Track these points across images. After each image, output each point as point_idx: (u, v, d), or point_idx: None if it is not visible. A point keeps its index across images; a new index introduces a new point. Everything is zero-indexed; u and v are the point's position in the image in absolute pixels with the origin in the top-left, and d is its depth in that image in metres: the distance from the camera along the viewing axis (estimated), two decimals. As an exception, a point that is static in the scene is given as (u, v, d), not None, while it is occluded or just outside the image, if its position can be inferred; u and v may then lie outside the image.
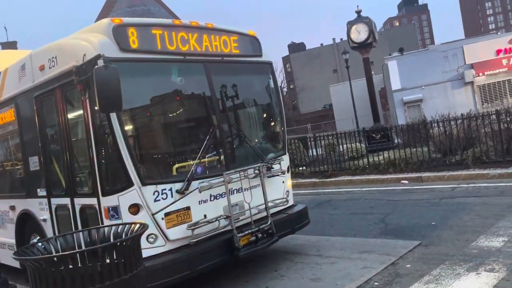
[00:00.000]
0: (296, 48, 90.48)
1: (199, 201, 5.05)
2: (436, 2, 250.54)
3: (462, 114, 11.91)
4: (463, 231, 6.23)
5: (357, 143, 14.37)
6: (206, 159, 5.30)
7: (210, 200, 5.16)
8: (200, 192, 4.95)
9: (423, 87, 29.70)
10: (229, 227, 5.13)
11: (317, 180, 13.26)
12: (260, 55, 6.21)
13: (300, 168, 14.77)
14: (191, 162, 5.11)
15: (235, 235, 5.08)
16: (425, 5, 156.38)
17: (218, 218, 5.07)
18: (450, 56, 29.44)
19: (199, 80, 5.44)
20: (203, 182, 4.99)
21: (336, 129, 38.62)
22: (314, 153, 14.99)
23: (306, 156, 15.52)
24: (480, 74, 28.46)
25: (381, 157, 12.74)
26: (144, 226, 3.20)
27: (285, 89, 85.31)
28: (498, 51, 28.62)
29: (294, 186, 12.97)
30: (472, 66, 28.73)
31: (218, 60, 5.62)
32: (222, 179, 5.08)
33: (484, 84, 28.58)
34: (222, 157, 5.43)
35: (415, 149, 12.24)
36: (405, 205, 8.63)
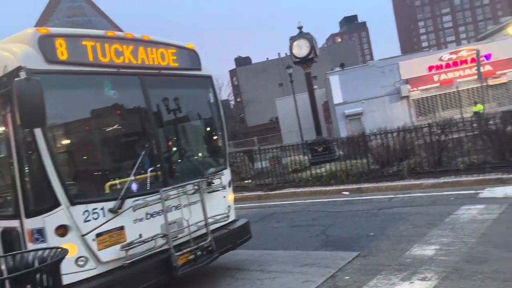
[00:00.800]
0: (242, 62, 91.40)
1: (134, 220, 4.83)
2: (375, 20, 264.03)
3: (398, 127, 12.47)
4: (399, 241, 6.44)
5: (301, 156, 14.60)
6: (141, 176, 5.10)
7: (146, 219, 4.95)
8: (134, 210, 4.73)
9: (363, 101, 30.92)
10: (166, 246, 4.94)
11: (262, 193, 13.28)
12: (199, 69, 6.13)
13: (246, 181, 14.75)
14: (126, 179, 4.89)
15: (173, 254, 4.90)
16: (364, 23, 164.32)
17: (155, 237, 4.87)
18: (388, 71, 30.98)
19: (134, 93, 5.25)
20: (138, 200, 4.78)
21: (282, 142, 39.20)
22: (260, 166, 15.05)
23: (251, 169, 15.54)
24: (415, 88, 30.16)
25: (323, 169, 13.00)
26: (63, 251, 2.97)
27: (232, 102, 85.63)
28: (430, 68, 30.54)
29: (240, 200, 12.93)
30: (407, 81, 30.38)
31: (154, 73, 5.46)
32: (158, 196, 4.90)
33: (418, 98, 30.29)
34: (159, 173, 5.25)
35: (355, 161, 12.63)
36: (346, 216, 8.82)
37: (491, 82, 29.36)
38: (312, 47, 14.88)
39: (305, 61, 15.18)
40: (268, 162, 15.03)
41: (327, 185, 12.32)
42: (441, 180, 10.46)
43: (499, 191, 8.70)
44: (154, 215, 5.01)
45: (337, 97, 31.55)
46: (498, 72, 29.59)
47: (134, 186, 4.91)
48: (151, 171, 5.24)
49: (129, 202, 4.71)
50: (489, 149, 11.26)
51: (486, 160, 10.85)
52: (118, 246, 4.63)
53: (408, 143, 12.20)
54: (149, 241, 4.82)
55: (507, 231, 6.05)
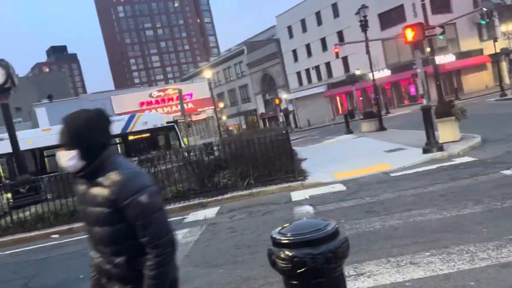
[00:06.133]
0: None
1: None
2: (86, 53, 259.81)
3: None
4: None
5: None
6: None
7: None
8: None
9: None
10: None
11: None
12: None
13: None
14: None
15: None
16: (75, 55, 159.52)
17: None
18: (100, 105, 30.78)
19: None
20: None
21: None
22: None
23: None
24: (128, 123, 31.02)
25: (27, 213, 11.52)
26: None
27: None
28: (142, 103, 32.29)
29: None
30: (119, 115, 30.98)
31: None
32: None
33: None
34: None
35: (66, 199, 11.77)
36: (54, 261, 8.04)
37: (194, 118, 33.51)
38: (9, 75, 13.18)
39: (1, 91, 13.25)
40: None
41: (32, 230, 10.94)
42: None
43: (201, 214, 9.85)
44: None
45: (45, 130, 29.05)
46: (199, 109, 34.11)
47: None
48: None
49: None
50: (192, 177, 12.67)
51: (190, 187, 12.15)
52: None
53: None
54: None
55: (205, 249, 6.87)
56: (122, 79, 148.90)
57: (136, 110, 31.59)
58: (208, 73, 36.50)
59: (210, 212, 9.88)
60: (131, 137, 19.71)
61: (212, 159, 13.01)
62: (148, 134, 19.77)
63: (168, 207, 11.04)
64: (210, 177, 12.31)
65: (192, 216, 9.84)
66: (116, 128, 19.15)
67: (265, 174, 12.00)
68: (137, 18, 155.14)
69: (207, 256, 6.47)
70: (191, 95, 34.48)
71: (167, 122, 20.33)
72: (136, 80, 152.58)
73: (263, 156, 12.27)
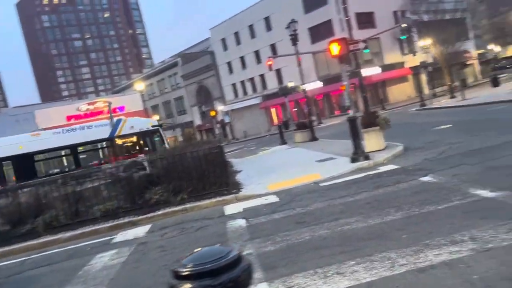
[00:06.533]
0: None
1: None
2: (9, 66, 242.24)
3: (29, 181, 11.60)
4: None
5: None
6: None
7: None
8: None
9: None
10: None
11: None
12: None
13: None
14: None
15: None
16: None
17: None
18: (22, 120, 28.88)
19: None
20: None
21: None
22: None
23: None
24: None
25: None
26: None
27: None
28: (69, 117, 30.68)
29: None
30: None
31: None
32: None
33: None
34: None
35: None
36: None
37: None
38: None
39: None
40: None
41: None
42: (79, 231, 10.40)
43: (131, 234, 9.44)
44: None
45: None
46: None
47: None
48: None
49: None
50: (122, 194, 12.14)
51: (120, 205, 11.63)
52: None
53: (43, 197, 11.54)
54: None
55: (132, 271, 6.56)
56: (49, 92, 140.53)
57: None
58: (140, 85, 35.53)
59: (140, 231, 9.51)
60: (118, 141, 19.87)
61: (143, 175, 12.58)
62: (134, 138, 20.08)
63: (96, 227, 10.49)
64: (141, 193, 11.88)
65: (121, 236, 9.39)
66: (104, 132, 18.99)
67: (199, 188, 11.81)
68: (64, 28, 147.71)
69: (134, 278, 6.18)
70: (122, 108, 33.37)
71: (152, 126, 20.87)
72: (65, 93, 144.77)
73: (197, 170, 12.08)
